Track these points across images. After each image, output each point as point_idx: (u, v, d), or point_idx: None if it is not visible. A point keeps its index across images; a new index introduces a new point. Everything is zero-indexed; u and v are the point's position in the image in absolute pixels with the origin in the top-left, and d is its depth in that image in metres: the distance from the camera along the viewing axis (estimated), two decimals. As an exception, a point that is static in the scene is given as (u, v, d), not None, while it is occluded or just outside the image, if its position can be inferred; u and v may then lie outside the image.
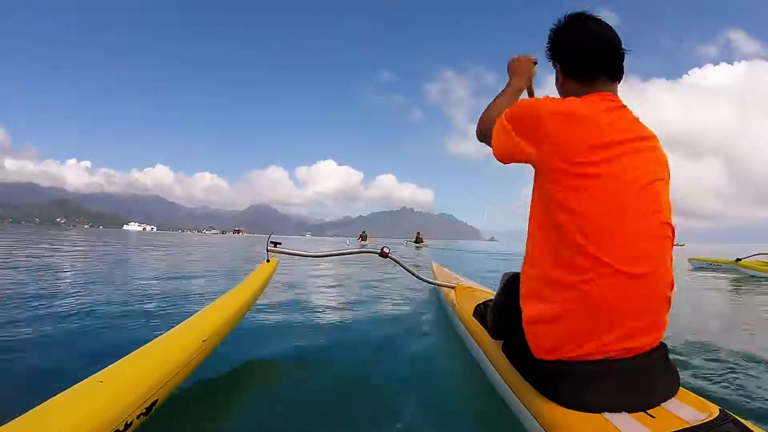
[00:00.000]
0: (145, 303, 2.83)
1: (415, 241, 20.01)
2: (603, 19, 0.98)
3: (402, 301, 3.27)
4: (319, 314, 2.72)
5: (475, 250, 17.74)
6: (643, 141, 0.91)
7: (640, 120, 0.95)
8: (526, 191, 1.00)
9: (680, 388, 0.92)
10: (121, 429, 0.79)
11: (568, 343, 0.87)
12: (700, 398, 0.89)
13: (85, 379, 0.85)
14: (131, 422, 0.83)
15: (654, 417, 0.81)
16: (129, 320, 2.32)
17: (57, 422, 0.70)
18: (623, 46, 0.97)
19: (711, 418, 0.77)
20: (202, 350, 1.16)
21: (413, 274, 2.61)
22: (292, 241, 30.57)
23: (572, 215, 0.85)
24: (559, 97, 1.02)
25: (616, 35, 0.97)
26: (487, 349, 1.38)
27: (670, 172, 0.96)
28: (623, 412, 0.82)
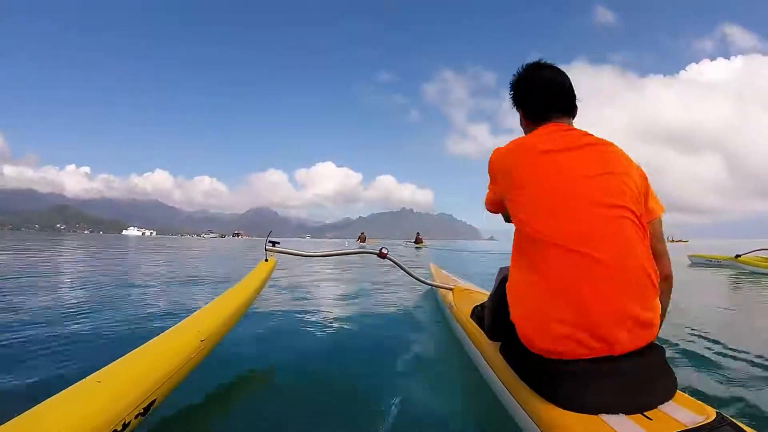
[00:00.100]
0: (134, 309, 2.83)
1: (415, 242, 20.02)
2: (554, 65, 1.14)
3: (400, 303, 3.27)
4: (316, 314, 2.72)
5: (475, 250, 17.75)
6: (587, 146, 1.00)
7: (592, 134, 1.05)
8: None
9: (677, 390, 0.92)
10: (119, 429, 0.79)
11: (553, 335, 0.89)
12: (697, 401, 0.89)
13: (83, 379, 0.85)
14: (129, 422, 0.83)
15: (651, 419, 0.81)
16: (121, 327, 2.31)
17: (54, 422, 0.70)
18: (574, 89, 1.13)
19: (708, 421, 0.77)
20: (200, 350, 1.15)
21: (411, 276, 2.61)
22: (292, 243, 30.55)
23: (525, 215, 0.98)
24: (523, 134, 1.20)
25: (569, 80, 1.13)
26: (484, 350, 1.38)
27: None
28: (620, 414, 0.82)
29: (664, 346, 0.96)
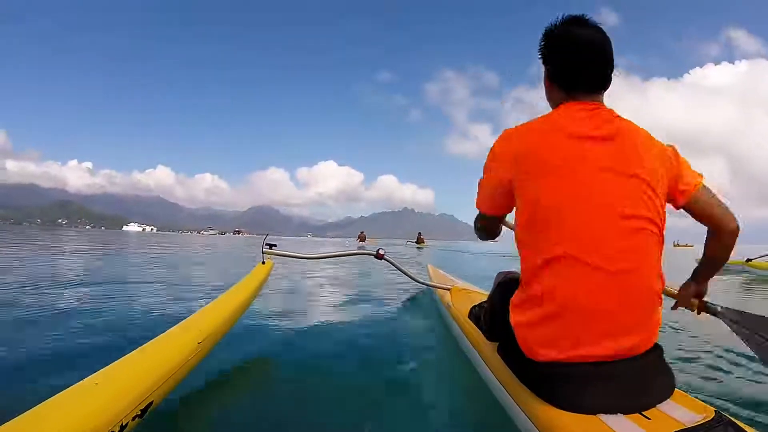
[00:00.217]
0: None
1: (417, 242, 20.07)
2: (600, 26, 0.96)
3: (397, 302, 3.27)
4: (314, 316, 2.72)
5: (477, 251, 17.73)
6: (617, 136, 0.90)
7: (623, 117, 0.94)
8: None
9: (675, 389, 0.92)
10: (116, 431, 0.79)
11: (555, 345, 0.88)
12: (696, 400, 0.89)
13: (81, 381, 0.84)
14: (126, 424, 0.83)
15: (649, 418, 0.81)
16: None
17: (52, 424, 0.70)
18: (613, 58, 0.96)
19: (706, 420, 0.77)
20: (197, 352, 1.16)
21: (408, 276, 2.61)
22: (293, 242, 30.60)
23: (540, 217, 0.88)
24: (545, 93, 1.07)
25: (609, 46, 0.96)
26: (482, 350, 1.38)
27: (664, 153, 0.94)
28: (618, 414, 0.82)
29: (663, 346, 0.95)
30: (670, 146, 0.97)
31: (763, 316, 1.13)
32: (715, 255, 1.08)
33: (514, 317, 0.97)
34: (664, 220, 0.92)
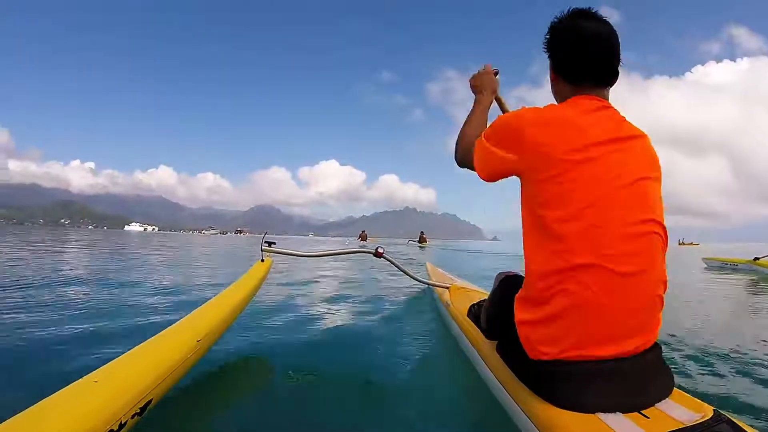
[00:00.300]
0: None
1: (419, 241, 20.10)
2: (607, 20, 0.96)
3: (396, 302, 3.27)
4: (312, 314, 2.72)
5: (479, 250, 17.73)
6: (627, 140, 0.90)
7: (628, 120, 0.95)
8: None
9: (674, 388, 0.92)
10: (115, 429, 0.79)
11: (559, 345, 0.87)
12: (695, 399, 0.89)
13: (80, 379, 0.85)
14: (125, 422, 0.83)
15: (648, 417, 0.81)
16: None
17: (51, 422, 0.70)
18: (620, 51, 0.96)
19: (705, 419, 0.76)
20: (196, 350, 1.16)
21: (407, 274, 2.61)
22: (294, 241, 30.63)
23: (555, 216, 0.86)
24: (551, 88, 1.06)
25: (616, 39, 0.96)
26: (481, 349, 1.38)
27: (665, 170, 0.96)
28: (617, 413, 0.82)
29: (663, 345, 0.95)
30: None
31: None
32: None
33: (519, 315, 0.96)
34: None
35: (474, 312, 1.60)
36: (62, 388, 0.81)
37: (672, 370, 0.95)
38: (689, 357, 1.85)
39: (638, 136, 0.93)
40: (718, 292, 4.86)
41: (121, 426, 0.81)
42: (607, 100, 0.97)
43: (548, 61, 1.05)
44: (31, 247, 8.92)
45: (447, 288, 2.49)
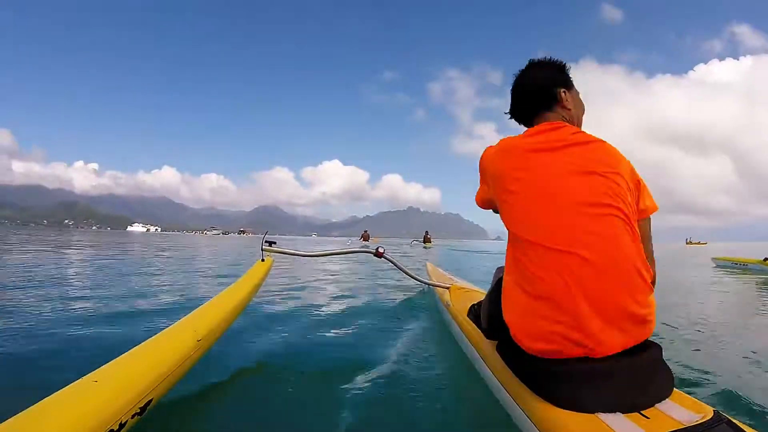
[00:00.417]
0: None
1: (423, 241, 20.10)
2: (540, 61, 1.17)
3: (396, 301, 3.27)
4: (313, 313, 2.72)
5: (482, 249, 17.71)
6: (575, 145, 0.99)
7: (583, 131, 1.06)
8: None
9: (675, 389, 0.91)
10: (115, 429, 0.79)
11: (542, 335, 0.90)
12: (695, 399, 0.89)
13: (80, 379, 0.85)
14: (126, 422, 0.83)
15: (648, 417, 0.80)
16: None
17: (51, 422, 0.71)
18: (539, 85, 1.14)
19: (705, 419, 0.76)
20: (196, 350, 1.16)
21: (407, 274, 2.61)
22: (297, 241, 30.66)
23: (514, 218, 1.00)
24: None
25: (538, 73, 1.15)
26: (481, 349, 1.38)
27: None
28: (617, 413, 0.82)
29: (663, 345, 0.95)
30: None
31: None
32: None
33: (506, 314, 1.01)
34: (634, 211, 0.97)
35: (474, 312, 1.61)
36: (62, 388, 0.81)
37: (672, 370, 0.95)
38: (690, 357, 1.84)
39: (590, 142, 1.01)
40: (727, 292, 4.82)
41: (121, 426, 0.81)
42: (565, 122, 1.09)
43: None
44: (47, 249, 8.97)
45: (447, 288, 2.49)
